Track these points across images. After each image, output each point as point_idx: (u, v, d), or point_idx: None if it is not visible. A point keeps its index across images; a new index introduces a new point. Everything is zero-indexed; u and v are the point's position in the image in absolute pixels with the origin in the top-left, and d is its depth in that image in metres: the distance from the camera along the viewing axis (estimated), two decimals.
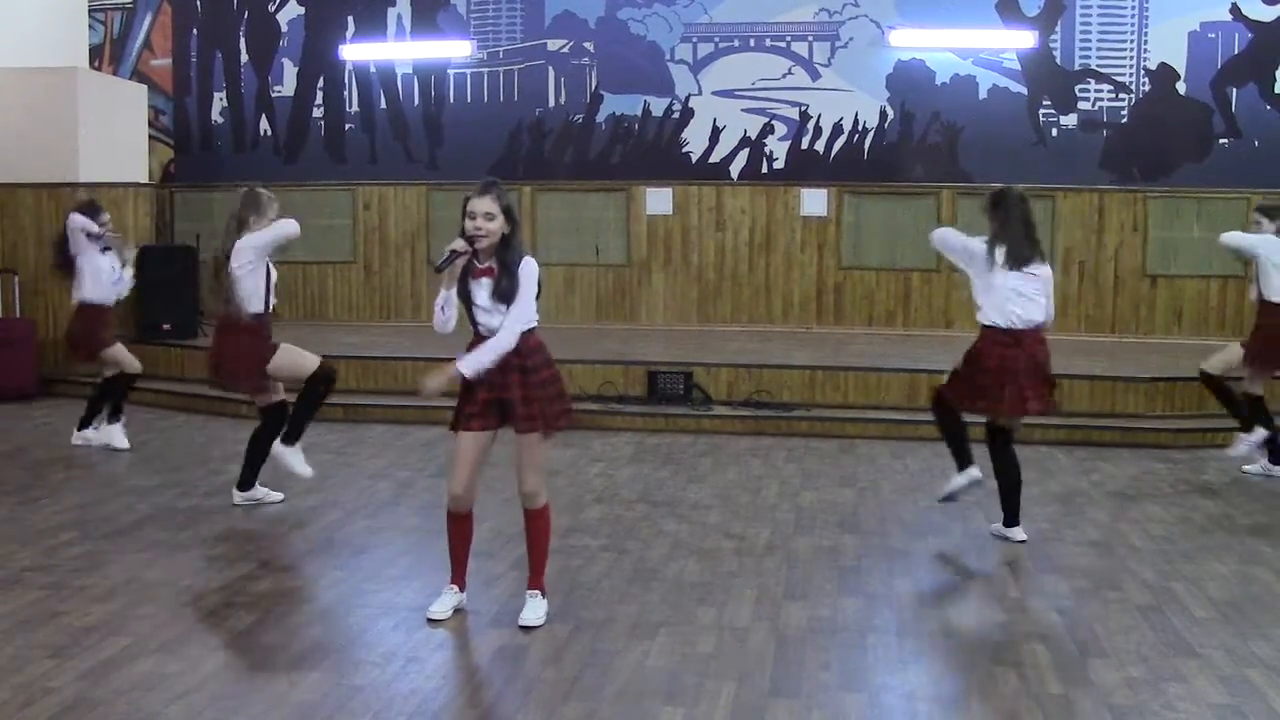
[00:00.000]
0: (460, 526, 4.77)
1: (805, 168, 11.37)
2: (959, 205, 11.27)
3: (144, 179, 11.28)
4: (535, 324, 4.61)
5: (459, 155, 11.84)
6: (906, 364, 9.23)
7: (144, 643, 4.42)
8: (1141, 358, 9.74)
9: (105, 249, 7.74)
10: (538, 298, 4.59)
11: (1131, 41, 11.05)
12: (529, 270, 4.52)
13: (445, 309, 4.53)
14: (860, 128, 11.39)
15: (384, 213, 12.12)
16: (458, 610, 4.78)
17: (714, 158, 11.62)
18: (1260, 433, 7.23)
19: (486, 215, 4.44)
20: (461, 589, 4.83)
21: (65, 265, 7.72)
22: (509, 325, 4.49)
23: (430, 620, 4.69)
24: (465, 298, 4.55)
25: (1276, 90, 10.84)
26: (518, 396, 4.53)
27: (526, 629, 4.60)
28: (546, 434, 4.61)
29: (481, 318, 4.55)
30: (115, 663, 4.21)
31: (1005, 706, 3.95)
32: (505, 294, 4.48)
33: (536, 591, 4.73)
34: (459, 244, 4.46)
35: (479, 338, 4.58)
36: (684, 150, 11.66)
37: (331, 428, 8.65)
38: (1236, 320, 10.98)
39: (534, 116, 11.84)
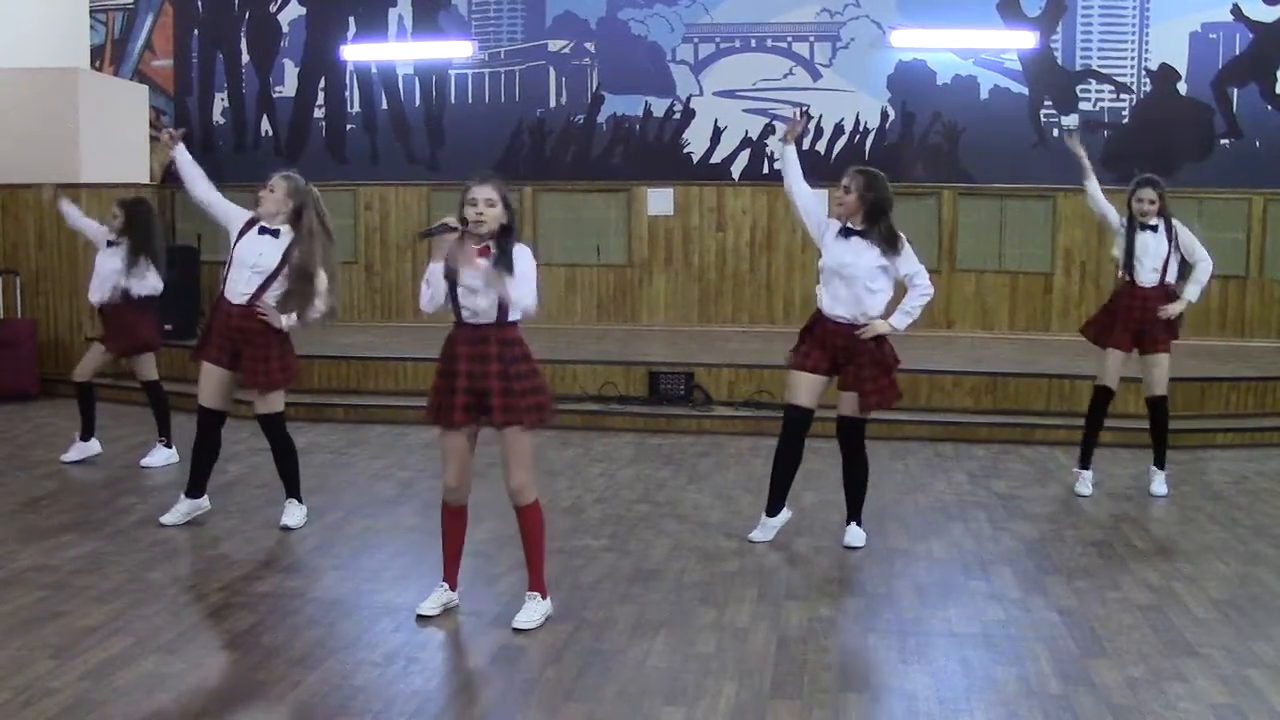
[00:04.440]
0: (455, 520, 4.75)
1: (806, 168, 11.32)
2: (960, 205, 11.28)
3: (145, 180, 11.28)
4: (520, 317, 4.58)
5: (460, 156, 11.84)
6: (907, 364, 9.20)
7: (145, 643, 4.42)
8: None
9: (110, 244, 7.59)
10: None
11: (1132, 42, 11.04)
12: (528, 254, 4.50)
13: (431, 281, 4.48)
14: (861, 128, 11.39)
15: (385, 213, 12.13)
16: (448, 609, 4.78)
17: (715, 158, 11.62)
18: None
19: (488, 201, 4.43)
20: (452, 588, 4.82)
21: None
22: (519, 299, 4.43)
23: (419, 616, 4.70)
24: (452, 279, 4.49)
25: (1277, 90, 10.84)
26: (496, 388, 4.51)
27: (519, 631, 4.57)
28: (527, 427, 4.58)
29: (466, 300, 4.50)
30: (116, 663, 4.22)
31: (1005, 706, 3.95)
32: (501, 267, 4.44)
33: (536, 594, 4.70)
34: (452, 220, 4.43)
35: (461, 325, 4.55)
36: (685, 150, 11.66)
37: (332, 428, 8.66)
38: (1237, 320, 10.99)
39: (535, 117, 11.85)
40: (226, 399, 6.06)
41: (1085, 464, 7.00)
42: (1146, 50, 11.01)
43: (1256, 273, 10.96)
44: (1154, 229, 6.70)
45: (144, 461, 7.45)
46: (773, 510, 5.87)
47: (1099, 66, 11.11)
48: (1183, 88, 10.96)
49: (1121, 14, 11.03)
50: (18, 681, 4.02)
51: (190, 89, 12.50)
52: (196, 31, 12.46)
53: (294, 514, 6.08)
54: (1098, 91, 11.14)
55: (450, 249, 4.45)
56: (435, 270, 4.48)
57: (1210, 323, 10.95)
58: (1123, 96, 11.09)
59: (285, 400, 6.15)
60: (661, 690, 4.05)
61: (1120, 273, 6.89)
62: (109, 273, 7.40)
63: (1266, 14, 10.79)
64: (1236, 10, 10.82)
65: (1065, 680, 4.15)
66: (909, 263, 5.60)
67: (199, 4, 12.45)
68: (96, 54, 12.46)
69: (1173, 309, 6.70)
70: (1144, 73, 11.03)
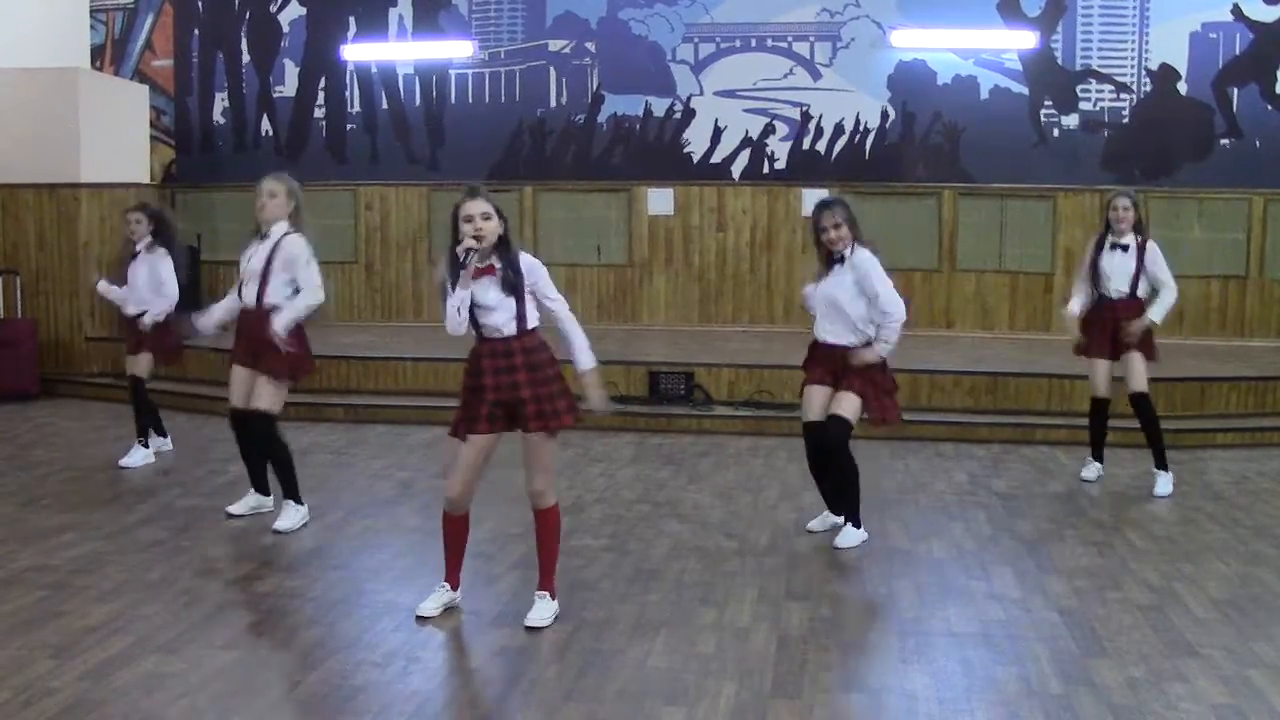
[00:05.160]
0: (456, 527, 4.79)
1: (807, 168, 11.38)
2: (960, 205, 11.27)
3: (145, 180, 11.27)
4: (538, 322, 4.66)
5: (460, 155, 11.84)
6: (908, 364, 9.21)
7: (144, 643, 4.42)
8: None
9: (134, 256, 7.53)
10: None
11: (1133, 42, 11.04)
12: (537, 263, 4.65)
13: (462, 310, 4.53)
14: (861, 128, 11.38)
15: (385, 213, 12.12)
16: (449, 609, 4.80)
17: (715, 158, 11.61)
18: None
19: (483, 215, 4.50)
20: (454, 588, 4.84)
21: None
22: (563, 311, 4.67)
23: (419, 617, 4.71)
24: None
25: (1277, 90, 10.84)
26: (527, 395, 4.56)
27: (531, 630, 4.59)
28: (554, 431, 4.63)
29: (484, 317, 4.57)
30: (116, 663, 4.22)
31: (1006, 706, 3.95)
32: (514, 286, 4.55)
33: (545, 593, 4.73)
34: (470, 242, 4.48)
35: (484, 340, 4.61)
36: (685, 150, 11.65)
37: (332, 428, 8.66)
38: (1237, 320, 10.99)
39: (535, 117, 11.84)
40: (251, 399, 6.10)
41: (1096, 456, 7.23)
42: (1146, 50, 11.01)
43: (1256, 273, 10.96)
44: (1124, 248, 6.83)
45: (122, 462, 7.45)
46: (834, 511, 6.00)
47: (1099, 66, 11.10)
48: (1183, 88, 10.95)
49: (1121, 14, 11.03)
50: (18, 681, 4.02)
51: (190, 89, 12.49)
52: (197, 31, 12.46)
53: (287, 517, 6.07)
54: (1098, 91, 11.14)
55: (465, 274, 4.51)
56: (465, 298, 4.51)
57: (1210, 323, 10.95)
58: (1123, 96, 11.08)
59: (284, 402, 6.15)
60: (662, 690, 4.05)
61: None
62: (146, 281, 7.32)
63: (1266, 14, 10.78)
64: (1236, 10, 10.81)
65: (1066, 680, 4.15)
66: (877, 279, 5.64)
67: (199, 4, 12.45)
68: (96, 54, 12.46)
69: (1135, 327, 6.78)
70: (1144, 73, 11.03)
